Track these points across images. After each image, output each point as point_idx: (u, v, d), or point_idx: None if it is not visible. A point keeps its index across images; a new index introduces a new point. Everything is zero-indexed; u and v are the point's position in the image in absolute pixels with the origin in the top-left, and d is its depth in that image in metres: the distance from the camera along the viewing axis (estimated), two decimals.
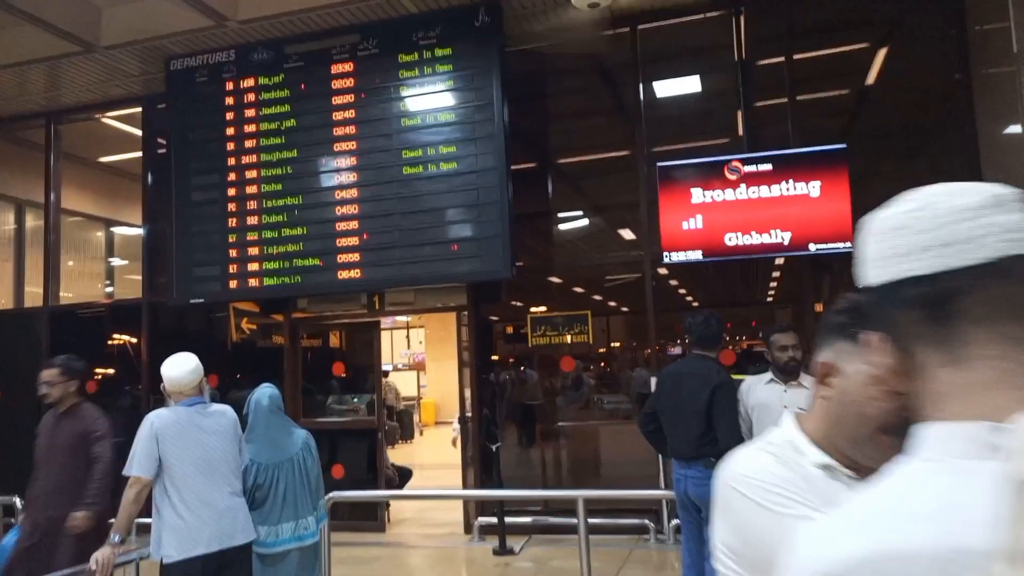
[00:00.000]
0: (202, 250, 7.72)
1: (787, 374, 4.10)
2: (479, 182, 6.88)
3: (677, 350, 7.15)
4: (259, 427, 4.00)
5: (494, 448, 6.93)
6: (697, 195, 6.23)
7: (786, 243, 6.00)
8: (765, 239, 6.03)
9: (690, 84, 7.52)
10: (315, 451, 4.13)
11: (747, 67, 6.65)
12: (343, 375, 8.27)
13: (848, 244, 5.89)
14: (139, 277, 9.28)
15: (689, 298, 7.93)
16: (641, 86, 7.20)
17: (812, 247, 5.95)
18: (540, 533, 6.95)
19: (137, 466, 3.53)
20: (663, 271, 6.96)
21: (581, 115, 8.17)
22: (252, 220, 7.56)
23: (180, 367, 3.73)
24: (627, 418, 7.25)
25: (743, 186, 6.11)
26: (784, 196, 6.00)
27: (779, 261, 6.82)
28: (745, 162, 6.13)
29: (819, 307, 6.63)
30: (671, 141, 7.30)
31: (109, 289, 11.75)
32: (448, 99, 7.05)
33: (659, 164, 6.35)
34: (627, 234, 7.72)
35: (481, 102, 6.91)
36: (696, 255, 6.21)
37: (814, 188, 5.95)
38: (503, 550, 6.57)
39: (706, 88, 7.50)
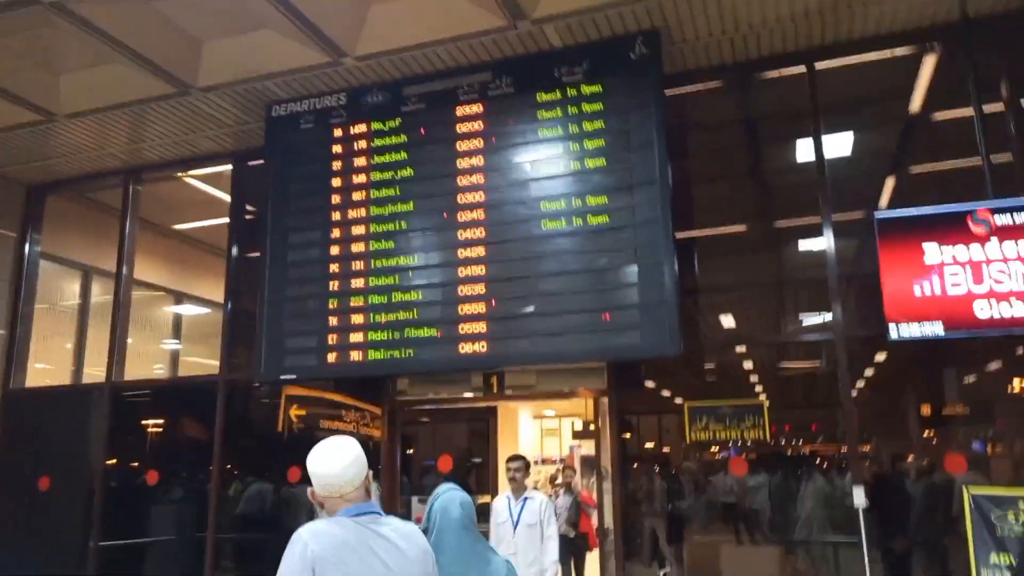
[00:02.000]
0: (296, 318, 6.44)
1: None
2: (637, 238, 5.55)
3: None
4: (447, 550, 2.57)
5: (662, 574, 5.31)
6: (932, 253, 4.81)
7: None
8: None
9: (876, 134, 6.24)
10: None
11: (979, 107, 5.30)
12: (450, 472, 6.76)
13: None
14: (199, 359, 8.03)
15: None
16: (821, 136, 5.90)
17: None
18: None
19: None
20: (875, 356, 5.48)
21: (743, 173, 6.88)
22: (358, 283, 6.28)
23: (338, 459, 2.35)
24: None
25: (995, 240, 4.69)
26: None
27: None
28: (995, 211, 4.72)
29: None
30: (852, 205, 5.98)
31: (160, 369, 10.50)
32: (597, 142, 5.82)
33: (879, 216, 4.97)
34: (809, 316, 6.28)
35: (638, 144, 5.67)
36: (936, 328, 4.73)
37: None
38: None
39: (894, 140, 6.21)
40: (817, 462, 6.66)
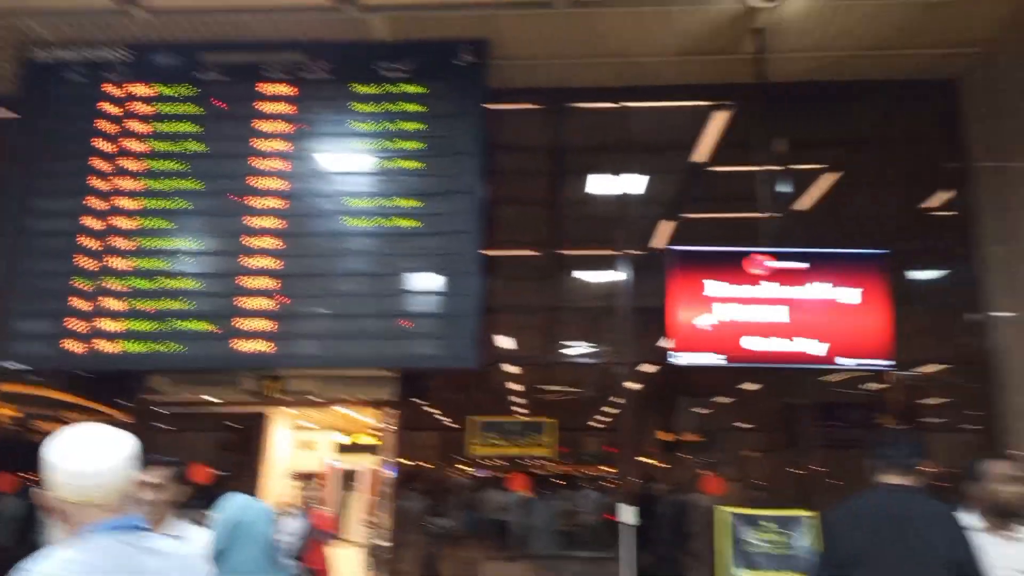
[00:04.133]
0: (36, 298, 5.20)
1: (1008, 518, 2.80)
2: (447, 247, 5.20)
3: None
4: (228, 570, 1.98)
5: None
6: (714, 289, 5.00)
7: (817, 355, 4.88)
8: (793, 348, 4.88)
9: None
10: None
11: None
12: (209, 484, 5.82)
13: (887, 362, 4.90)
14: None
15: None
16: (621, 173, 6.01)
17: (847, 363, 4.88)
18: None
19: None
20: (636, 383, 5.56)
21: (543, 200, 6.81)
22: (120, 264, 5.22)
23: (100, 453, 1.67)
24: None
25: (767, 283, 4.99)
26: (820, 300, 4.94)
27: None
28: (775, 257, 5.04)
29: None
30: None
31: None
32: (416, 144, 5.41)
33: (672, 248, 5.09)
34: (589, 343, 6.29)
35: (458, 151, 5.35)
36: (709, 357, 4.90)
37: (853, 295, 4.96)
38: None
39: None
40: (581, 482, 6.72)
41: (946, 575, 2.57)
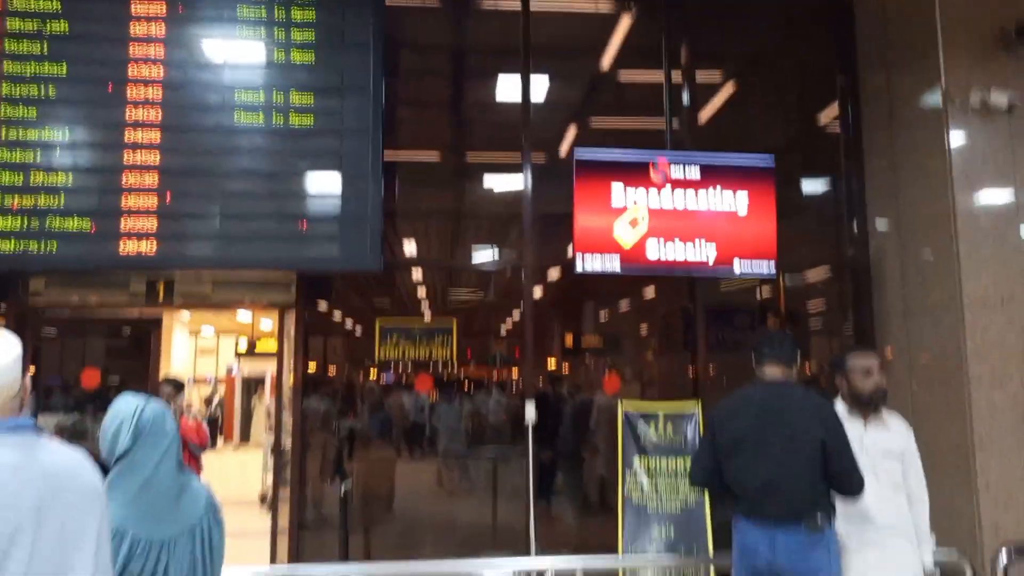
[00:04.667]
0: None
1: (869, 406, 2.97)
2: (344, 146, 4.94)
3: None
4: (136, 474, 1.86)
5: (342, 489, 4.86)
6: (618, 195, 4.98)
7: (711, 261, 4.99)
8: (689, 254, 4.97)
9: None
10: (222, 519, 2.05)
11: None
12: (97, 389, 5.52)
13: (772, 265, 5.06)
14: None
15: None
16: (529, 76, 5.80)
17: (738, 267, 5.01)
18: None
19: None
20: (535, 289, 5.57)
21: (446, 102, 6.52)
22: None
23: None
24: None
25: (666, 190, 5.01)
26: (712, 208, 5.01)
27: None
28: (672, 163, 5.04)
29: None
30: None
31: None
32: (306, 34, 5.03)
33: (578, 154, 5.00)
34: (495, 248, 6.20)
35: (351, 45, 5.01)
36: (613, 264, 4.94)
37: (742, 202, 5.04)
38: None
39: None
40: (487, 383, 6.80)
41: (818, 457, 2.74)
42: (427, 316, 6.18)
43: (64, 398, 5.73)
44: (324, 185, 4.91)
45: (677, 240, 4.98)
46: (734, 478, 2.85)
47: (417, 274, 6.40)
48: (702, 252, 5.00)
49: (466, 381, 6.53)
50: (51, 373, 5.85)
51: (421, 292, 6.51)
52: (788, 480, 2.74)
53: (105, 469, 1.76)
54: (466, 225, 6.57)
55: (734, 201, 5.06)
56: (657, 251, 4.97)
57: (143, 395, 1.99)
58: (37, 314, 5.44)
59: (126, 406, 1.91)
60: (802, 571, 2.71)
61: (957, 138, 4.83)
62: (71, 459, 1.55)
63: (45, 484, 1.44)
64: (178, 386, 5.04)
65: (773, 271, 5.08)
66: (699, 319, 5.69)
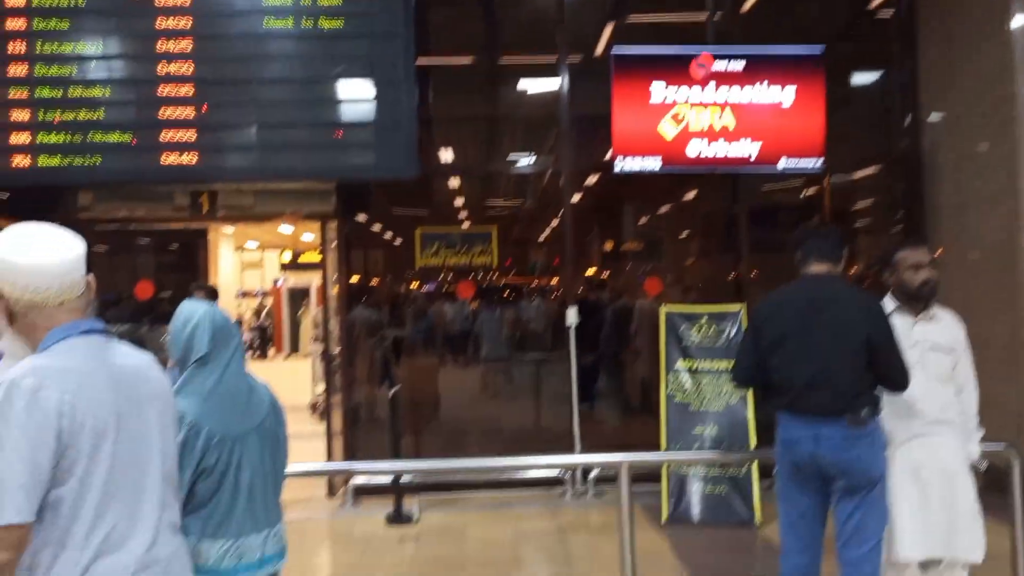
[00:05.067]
0: None
1: (919, 301, 2.88)
2: (375, 51, 4.80)
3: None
4: (211, 374, 1.90)
5: (391, 393, 4.99)
6: (658, 92, 4.79)
7: (753, 157, 4.81)
8: (732, 151, 4.79)
9: None
10: (284, 418, 2.11)
11: None
12: (150, 300, 5.67)
13: (819, 161, 4.87)
14: None
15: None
16: None
17: (782, 163, 4.83)
18: (419, 493, 5.20)
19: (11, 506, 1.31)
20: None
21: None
22: (16, 70, 4.68)
23: (56, 247, 1.51)
24: None
25: (712, 85, 4.80)
26: (757, 102, 4.79)
27: None
28: (717, 57, 4.80)
29: None
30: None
31: None
32: None
33: (616, 51, 4.79)
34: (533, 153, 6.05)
35: None
36: (654, 163, 4.80)
37: (788, 95, 4.81)
38: (398, 518, 4.79)
39: None
40: (528, 290, 6.80)
41: (863, 351, 2.69)
42: (466, 225, 6.15)
43: (118, 311, 5.91)
44: (357, 91, 4.81)
45: (721, 139, 4.80)
46: (778, 373, 2.81)
47: (454, 182, 6.32)
48: (745, 149, 4.82)
49: (507, 289, 6.54)
50: (103, 288, 6.02)
51: (459, 201, 6.45)
52: (833, 374, 2.69)
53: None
54: (502, 130, 6.42)
55: (780, 94, 4.83)
56: (698, 148, 4.81)
57: (203, 301, 2.01)
58: (87, 228, 5.53)
59: (197, 311, 1.94)
60: (845, 464, 2.70)
61: (1020, 19, 4.50)
62: (142, 361, 1.59)
63: (120, 386, 1.47)
64: (212, 292, 5.10)
65: (820, 167, 4.89)
66: (742, 220, 5.55)
